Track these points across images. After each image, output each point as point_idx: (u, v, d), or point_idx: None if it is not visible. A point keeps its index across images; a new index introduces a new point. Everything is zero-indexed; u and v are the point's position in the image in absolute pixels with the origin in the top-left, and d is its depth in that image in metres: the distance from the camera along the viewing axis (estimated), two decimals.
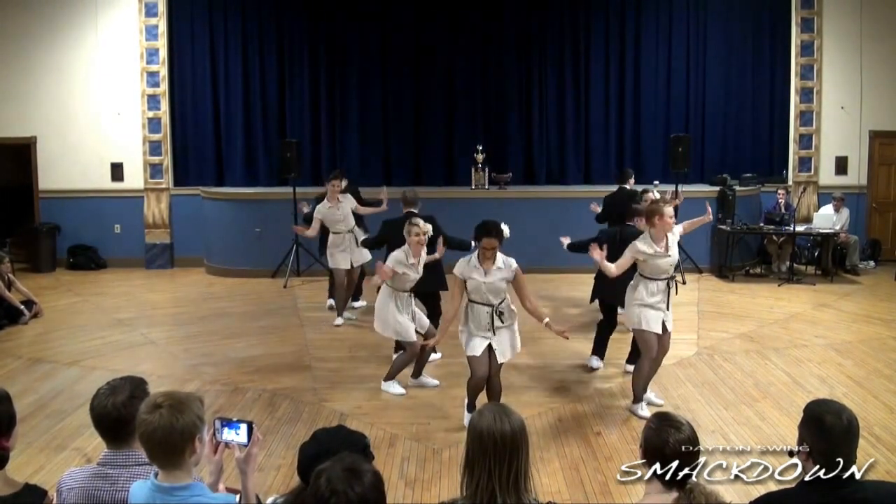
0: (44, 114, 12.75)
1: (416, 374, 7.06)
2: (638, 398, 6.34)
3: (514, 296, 5.97)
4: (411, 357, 6.83)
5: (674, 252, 6.17)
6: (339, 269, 9.10)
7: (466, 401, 6.15)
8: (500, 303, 5.86)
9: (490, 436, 2.57)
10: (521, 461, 2.59)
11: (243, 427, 2.76)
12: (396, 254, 6.65)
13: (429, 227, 6.83)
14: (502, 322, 5.88)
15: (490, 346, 5.89)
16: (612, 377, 7.26)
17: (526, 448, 2.62)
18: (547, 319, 5.83)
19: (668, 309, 6.20)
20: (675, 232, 6.29)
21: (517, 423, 2.61)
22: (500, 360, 5.96)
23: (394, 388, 6.86)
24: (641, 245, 6.07)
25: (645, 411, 6.17)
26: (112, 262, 12.86)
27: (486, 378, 5.96)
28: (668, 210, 6.12)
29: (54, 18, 12.66)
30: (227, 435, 2.75)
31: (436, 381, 7.08)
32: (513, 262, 5.87)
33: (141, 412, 2.53)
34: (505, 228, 5.99)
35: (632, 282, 6.27)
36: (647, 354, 6.20)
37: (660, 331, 6.16)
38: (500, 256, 5.83)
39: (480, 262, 5.81)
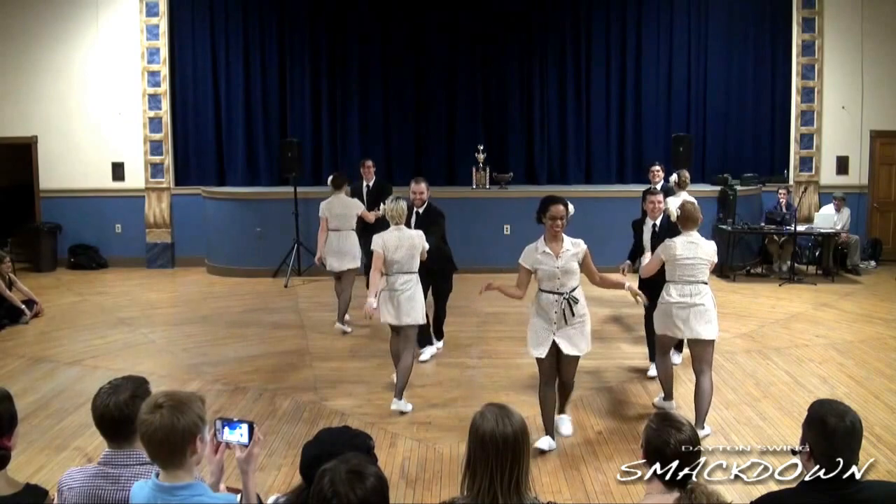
0: (45, 113, 12.76)
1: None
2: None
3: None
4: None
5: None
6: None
7: (540, 417, 5.67)
8: (573, 290, 5.47)
9: (492, 439, 2.57)
10: (523, 463, 2.59)
11: (244, 427, 2.76)
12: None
13: (404, 206, 6.66)
14: (573, 313, 5.44)
15: (555, 342, 5.46)
16: (613, 377, 7.26)
17: (527, 449, 2.62)
18: (628, 284, 5.86)
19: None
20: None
21: (519, 425, 2.61)
22: (568, 351, 5.49)
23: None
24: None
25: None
26: (113, 262, 12.87)
27: (554, 383, 5.62)
28: None
29: (55, 18, 12.66)
30: (228, 435, 2.75)
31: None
32: (581, 242, 5.53)
33: (142, 412, 2.53)
34: (570, 205, 5.55)
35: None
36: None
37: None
38: (566, 238, 5.48)
39: (548, 243, 5.46)
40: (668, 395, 6.36)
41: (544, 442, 5.55)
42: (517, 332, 8.72)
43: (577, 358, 5.60)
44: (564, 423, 5.92)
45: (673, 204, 6.79)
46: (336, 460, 2.30)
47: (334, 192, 9.03)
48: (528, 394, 6.77)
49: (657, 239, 6.77)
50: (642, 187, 9.81)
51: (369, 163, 10.16)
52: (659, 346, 6.27)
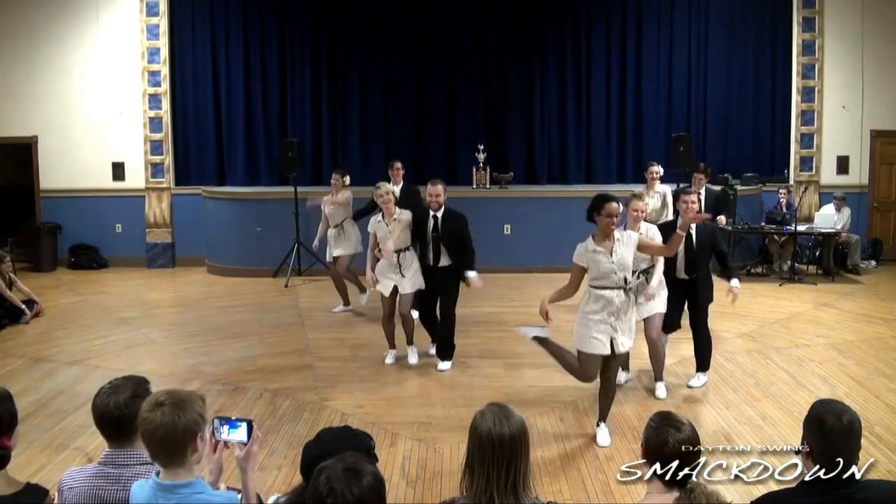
0: (45, 113, 12.76)
1: (409, 341, 7.65)
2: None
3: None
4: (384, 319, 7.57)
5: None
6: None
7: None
8: (635, 279, 5.53)
9: (489, 439, 2.57)
10: (520, 464, 2.59)
11: (243, 426, 2.77)
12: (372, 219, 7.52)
13: (390, 187, 7.57)
14: (636, 300, 5.59)
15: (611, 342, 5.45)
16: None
17: (526, 451, 2.61)
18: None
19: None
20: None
21: (517, 426, 2.61)
22: (621, 349, 5.56)
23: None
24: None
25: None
26: (113, 262, 12.88)
27: (593, 378, 5.64)
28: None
29: (56, 18, 12.67)
30: (227, 434, 2.75)
31: (415, 360, 7.62)
32: (631, 232, 5.61)
33: (143, 410, 2.54)
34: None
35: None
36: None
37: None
38: (615, 231, 5.44)
39: (598, 242, 5.42)
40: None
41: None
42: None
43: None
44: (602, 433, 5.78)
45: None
46: (333, 459, 2.30)
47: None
48: (529, 394, 6.79)
49: (700, 248, 6.69)
50: (642, 187, 9.81)
51: (398, 165, 9.56)
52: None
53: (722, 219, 9.33)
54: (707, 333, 6.90)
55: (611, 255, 5.39)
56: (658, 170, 9.23)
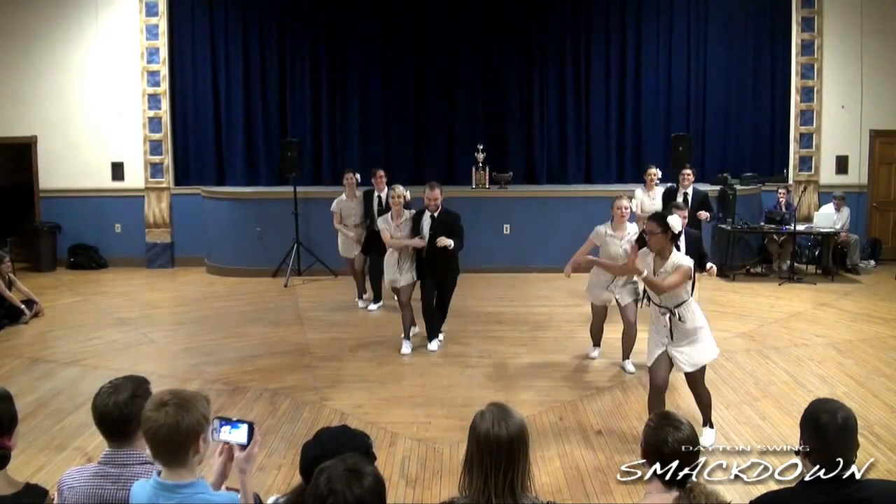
0: (44, 113, 12.76)
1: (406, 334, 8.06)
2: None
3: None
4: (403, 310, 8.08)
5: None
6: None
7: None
8: (678, 306, 5.44)
9: (487, 440, 2.57)
10: (519, 465, 2.59)
11: (243, 427, 2.77)
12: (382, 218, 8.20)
13: (402, 190, 8.07)
14: (682, 323, 5.43)
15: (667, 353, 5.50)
16: (615, 375, 7.26)
17: (525, 452, 2.61)
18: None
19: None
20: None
21: (516, 428, 2.61)
22: (685, 368, 5.51)
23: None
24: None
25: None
26: (113, 262, 12.87)
27: (664, 389, 5.56)
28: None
29: (55, 18, 12.66)
30: (227, 434, 2.75)
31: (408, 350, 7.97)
32: (682, 260, 5.42)
33: (146, 409, 2.54)
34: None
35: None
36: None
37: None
38: (673, 256, 5.41)
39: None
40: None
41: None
42: (517, 331, 8.76)
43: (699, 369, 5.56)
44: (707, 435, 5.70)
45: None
46: (334, 459, 2.31)
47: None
48: (528, 393, 6.79)
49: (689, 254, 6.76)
50: (641, 188, 9.83)
51: (381, 173, 9.78)
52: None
53: (704, 214, 9.42)
54: None
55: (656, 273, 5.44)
56: (656, 172, 9.43)
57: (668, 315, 5.43)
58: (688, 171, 9.88)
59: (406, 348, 8.01)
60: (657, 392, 5.51)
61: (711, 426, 5.73)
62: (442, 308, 8.19)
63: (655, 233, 5.32)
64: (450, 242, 7.64)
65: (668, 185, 10.13)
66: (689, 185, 9.74)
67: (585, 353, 7.80)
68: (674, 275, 5.32)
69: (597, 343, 7.73)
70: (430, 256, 7.81)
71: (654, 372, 5.52)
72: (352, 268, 10.09)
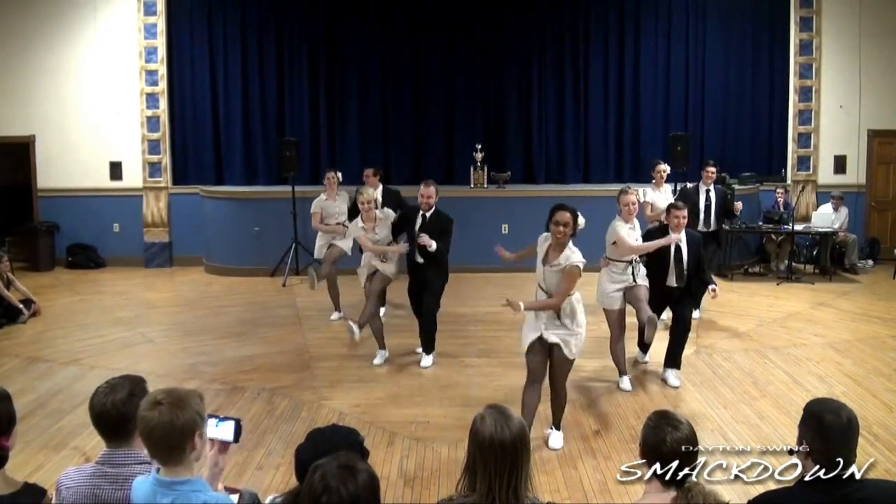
0: (43, 113, 12.74)
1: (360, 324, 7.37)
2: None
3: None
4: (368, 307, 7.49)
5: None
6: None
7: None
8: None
9: (490, 444, 2.57)
10: (521, 467, 2.59)
11: (229, 423, 2.76)
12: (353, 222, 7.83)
13: (371, 193, 7.79)
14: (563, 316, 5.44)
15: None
16: (611, 376, 7.26)
17: (526, 454, 2.61)
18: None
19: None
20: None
21: (518, 430, 2.61)
22: (569, 354, 5.46)
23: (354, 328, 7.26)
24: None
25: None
26: (111, 261, 12.86)
27: (538, 382, 5.57)
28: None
29: (53, 17, 12.65)
30: (213, 431, 2.75)
31: (356, 332, 7.26)
32: (575, 258, 5.36)
33: (141, 409, 2.54)
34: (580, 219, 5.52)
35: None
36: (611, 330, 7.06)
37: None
38: (568, 250, 5.39)
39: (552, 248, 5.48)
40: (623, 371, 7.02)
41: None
42: (515, 331, 8.72)
43: (567, 361, 5.50)
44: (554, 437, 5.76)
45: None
46: (328, 457, 2.31)
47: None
48: None
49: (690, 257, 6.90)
50: (641, 186, 9.81)
51: (367, 172, 9.41)
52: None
53: (739, 205, 9.79)
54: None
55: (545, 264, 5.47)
56: (665, 168, 9.38)
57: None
58: (711, 168, 9.57)
59: (378, 359, 7.66)
60: (532, 380, 5.56)
61: (559, 429, 5.75)
62: (426, 317, 7.55)
63: (568, 224, 5.31)
64: (431, 243, 7.20)
65: (688, 184, 10.16)
66: (710, 183, 9.48)
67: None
68: (565, 281, 5.33)
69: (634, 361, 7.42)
70: (413, 259, 7.48)
71: (528, 358, 5.57)
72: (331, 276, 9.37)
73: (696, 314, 8.71)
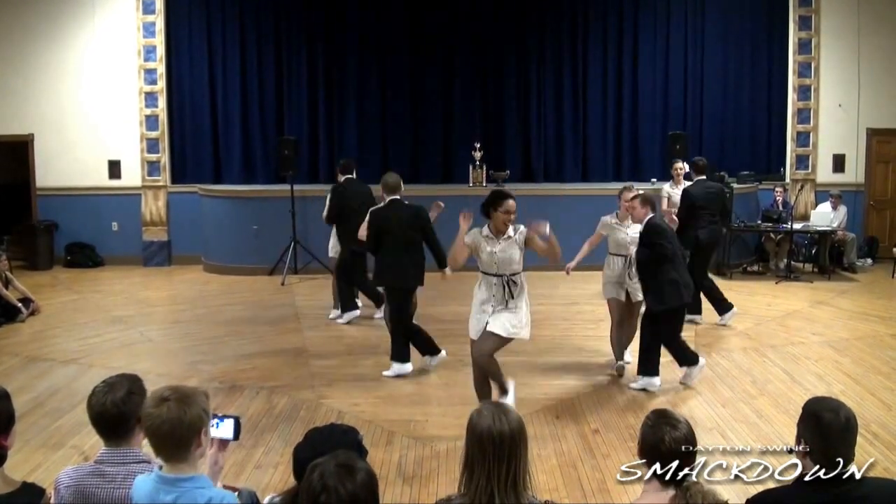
0: (41, 111, 12.72)
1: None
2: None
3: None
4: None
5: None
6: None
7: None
8: (513, 275, 5.87)
9: (489, 437, 2.56)
10: (520, 461, 2.58)
11: (229, 422, 2.76)
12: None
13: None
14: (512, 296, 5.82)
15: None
16: (612, 373, 7.26)
17: (525, 448, 2.61)
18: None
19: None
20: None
21: (516, 423, 2.61)
22: (498, 331, 5.82)
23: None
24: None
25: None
26: (109, 260, 12.85)
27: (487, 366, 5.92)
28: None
29: (52, 16, 12.63)
30: (213, 430, 2.75)
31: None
32: (522, 227, 5.90)
33: (147, 406, 2.54)
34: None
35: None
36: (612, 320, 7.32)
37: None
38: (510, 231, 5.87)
39: (493, 232, 5.86)
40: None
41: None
42: None
43: (494, 336, 5.79)
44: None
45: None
46: (326, 456, 2.31)
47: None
48: (525, 392, 6.78)
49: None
50: (640, 185, 9.82)
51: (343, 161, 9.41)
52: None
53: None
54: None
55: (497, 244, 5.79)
56: (683, 167, 9.62)
57: (501, 284, 5.80)
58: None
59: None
60: (480, 368, 5.89)
61: (507, 392, 5.94)
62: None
63: (515, 212, 5.78)
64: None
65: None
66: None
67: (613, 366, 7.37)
68: (539, 235, 5.85)
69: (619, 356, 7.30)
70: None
71: (476, 345, 5.89)
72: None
73: (698, 319, 8.86)
